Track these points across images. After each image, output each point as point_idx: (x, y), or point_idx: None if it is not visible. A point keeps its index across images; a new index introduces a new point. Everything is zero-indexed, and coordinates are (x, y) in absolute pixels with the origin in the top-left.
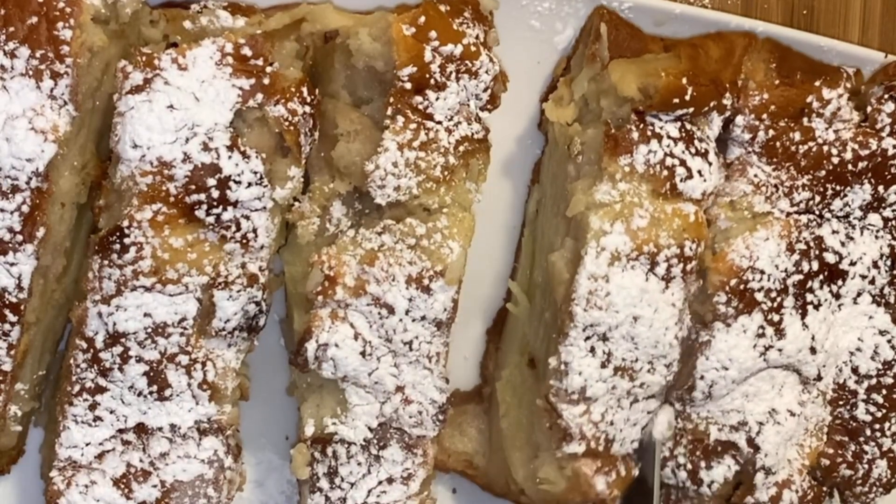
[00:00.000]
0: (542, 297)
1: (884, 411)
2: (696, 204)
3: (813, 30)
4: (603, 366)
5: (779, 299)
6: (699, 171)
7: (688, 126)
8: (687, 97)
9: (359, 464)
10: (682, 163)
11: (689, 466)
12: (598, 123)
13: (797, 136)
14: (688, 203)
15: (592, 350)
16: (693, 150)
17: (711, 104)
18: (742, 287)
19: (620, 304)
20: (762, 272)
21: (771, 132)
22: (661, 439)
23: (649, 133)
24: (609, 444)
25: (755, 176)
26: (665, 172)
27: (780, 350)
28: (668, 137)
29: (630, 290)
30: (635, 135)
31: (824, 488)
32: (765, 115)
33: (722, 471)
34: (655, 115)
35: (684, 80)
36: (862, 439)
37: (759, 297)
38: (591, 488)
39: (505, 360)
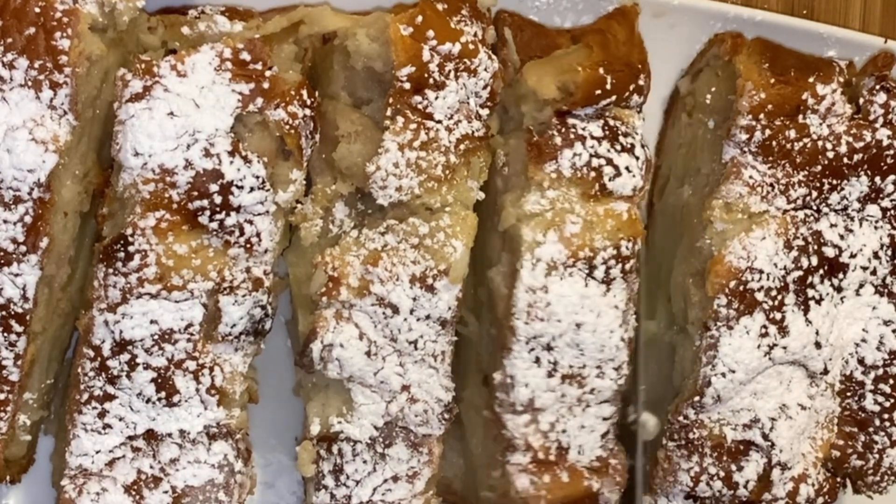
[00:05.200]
0: (487, 314)
1: (892, 401)
2: (629, 201)
3: None
4: (549, 375)
5: (780, 297)
6: (627, 168)
7: (611, 122)
8: (608, 86)
9: (364, 462)
10: (609, 161)
11: (722, 474)
12: (520, 132)
13: (792, 133)
14: (619, 202)
15: (537, 361)
16: (619, 147)
17: (631, 88)
18: (741, 288)
19: (562, 313)
20: (761, 272)
21: (767, 132)
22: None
23: (572, 136)
24: (563, 452)
25: (750, 177)
26: (593, 174)
27: (784, 348)
28: (592, 137)
29: (570, 297)
30: (558, 140)
31: (838, 480)
32: (761, 115)
33: (753, 468)
34: (577, 116)
35: (601, 70)
36: (871, 429)
37: (760, 296)
38: (510, 485)
39: (464, 381)
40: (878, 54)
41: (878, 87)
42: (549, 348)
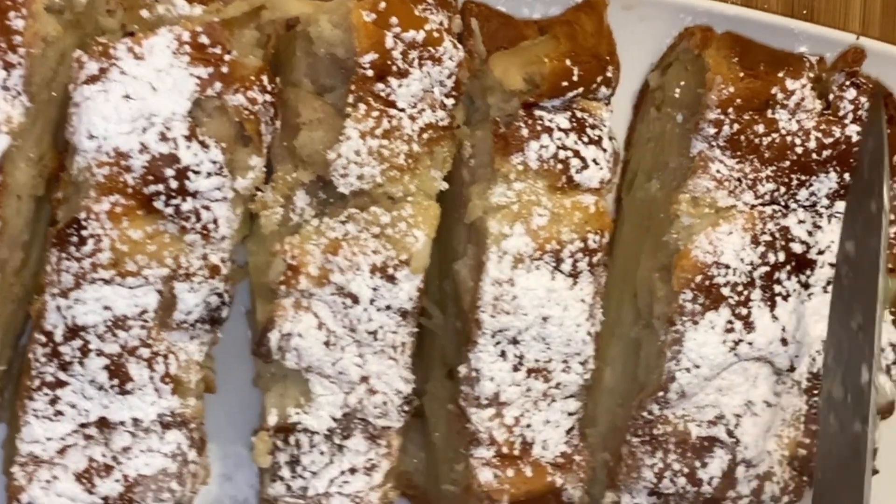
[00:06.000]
0: (452, 307)
1: None
2: (596, 193)
3: None
4: (515, 369)
5: (746, 293)
6: (594, 160)
7: (578, 114)
8: (574, 78)
9: (321, 453)
10: (576, 153)
11: (686, 470)
12: (486, 124)
13: (760, 128)
14: (586, 194)
15: (503, 354)
16: (586, 139)
17: (598, 79)
18: (707, 283)
19: (528, 307)
20: (727, 266)
21: (736, 126)
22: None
23: (539, 127)
24: (527, 447)
25: (717, 171)
26: (560, 166)
27: (750, 343)
28: (559, 129)
29: (537, 291)
30: (525, 131)
31: (804, 478)
32: (730, 109)
33: (717, 464)
34: (544, 108)
35: (568, 62)
36: None
37: (726, 291)
38: (473, 479)
39: (428, 374)
40: (848, 50)
41: (847, 83)
42: (514, 342)
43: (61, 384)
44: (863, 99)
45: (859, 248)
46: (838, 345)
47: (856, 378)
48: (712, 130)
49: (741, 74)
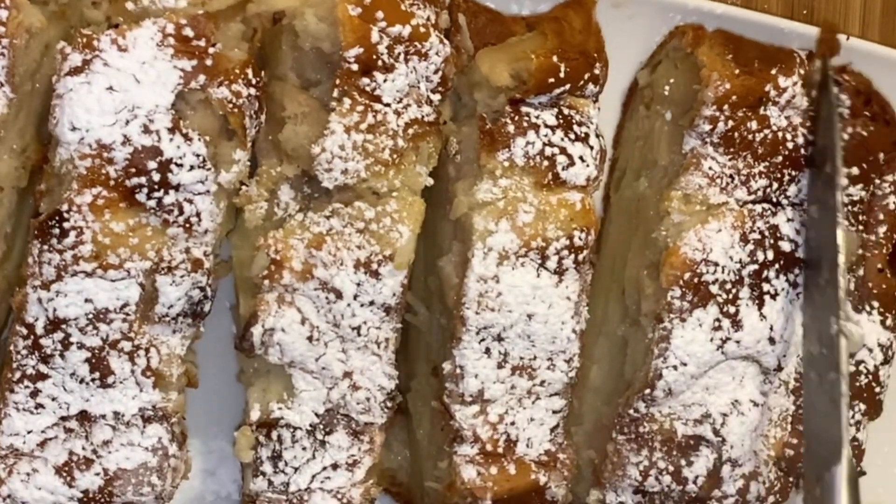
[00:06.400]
0: (437, 304)
1: None
2: (582, 191)
3: None
4: (500, 366)
5: (734, 291)
6: (581, 157)
7: (565, 111)
8: (561, 74)
9: (303, 448)
10: (563, 150)
11: (671, 468)
12: (473, 120)
13: (753, 124)
14: (573, 191)
15: (488, 351)
16: (573, 136)
17: (586, 76)
18: (696, 280)
19: (513, 304)
20: (716, 264)
21: (730, 122)
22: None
23: (525, 124)
24: (511, 444)
25: (710, 168)
26: (546, 163)
27: (737, 342)
28: (546, 126)
29: (522, 288)
30: (511, 127)
31: (790, 479)
32: (725, 106)
33: (703, 463)
34: (531, 104)
35: (555, 58)
36: None
37: (714, 289)
38: (457, 476)
39: (413, 371)
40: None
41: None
42: (499, 339)
43: (42, 377)
44: (844, 96)
45: (820, 209)
46: (812, 303)
47: (827, 330)
48: (707, 127)
49: (736, 72)
